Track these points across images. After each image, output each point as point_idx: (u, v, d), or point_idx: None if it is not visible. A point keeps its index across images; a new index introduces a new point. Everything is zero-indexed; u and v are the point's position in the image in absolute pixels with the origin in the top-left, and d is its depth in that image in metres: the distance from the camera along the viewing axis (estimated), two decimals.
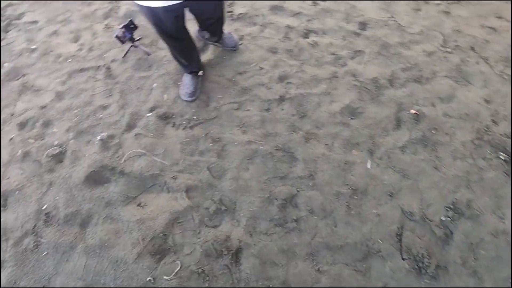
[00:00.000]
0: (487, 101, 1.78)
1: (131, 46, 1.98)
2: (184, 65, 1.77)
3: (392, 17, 2.21)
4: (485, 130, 1.67)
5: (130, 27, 1.88)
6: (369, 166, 1.56)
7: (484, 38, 2.07)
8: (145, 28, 2.14)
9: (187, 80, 1.82)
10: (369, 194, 1.48)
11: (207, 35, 1.99)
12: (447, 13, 2.23)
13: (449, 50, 2.02)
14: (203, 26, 1.86)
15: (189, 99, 1.80)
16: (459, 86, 1.85)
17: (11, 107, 1.88)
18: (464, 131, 1.67)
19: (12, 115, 1.85)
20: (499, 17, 2.20)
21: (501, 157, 1.58)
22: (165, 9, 1.30)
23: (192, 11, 1.57)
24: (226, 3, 2.30)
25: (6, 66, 2.08)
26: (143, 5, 1.30)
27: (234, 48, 2.01)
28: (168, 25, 1.41)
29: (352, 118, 1.73)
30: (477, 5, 2.29)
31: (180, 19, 1.45)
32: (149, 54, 2.03)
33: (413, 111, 1.74)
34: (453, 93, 1.81)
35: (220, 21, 1.77)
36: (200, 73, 1.87)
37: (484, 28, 2.13)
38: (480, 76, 1.89)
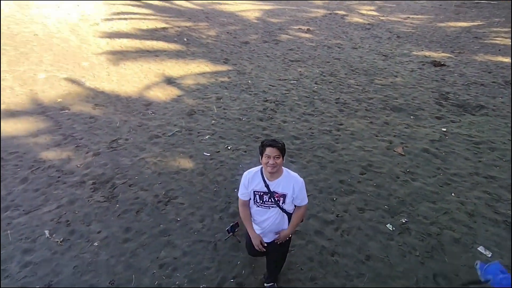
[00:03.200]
0: None
1: (231, 234, 3.58)
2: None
3: None
4: None
5: (234, 226, 3.54)
6: None
7: None
8: (241, 227, 3.79)
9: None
10: None
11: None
12: None
13: None
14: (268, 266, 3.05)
15: None
16: None
17: None
18: None
19: None
20: None
21: None
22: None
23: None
24: None
25: None
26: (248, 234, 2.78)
27: None
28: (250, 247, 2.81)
29: None
30: None
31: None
32: (240, 242, 3.57)
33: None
34: None
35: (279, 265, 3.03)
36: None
37: None
38: None
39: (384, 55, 9.67)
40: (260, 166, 2.56)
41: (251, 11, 14.62)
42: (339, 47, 10.41)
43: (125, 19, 10.56)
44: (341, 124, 5.84)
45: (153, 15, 11.93)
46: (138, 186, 4.36)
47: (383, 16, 14.83)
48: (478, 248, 3.46)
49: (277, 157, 2.36)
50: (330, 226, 3.75)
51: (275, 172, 2.44)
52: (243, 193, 2.61)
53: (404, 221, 3.80)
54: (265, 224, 2.64)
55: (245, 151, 5.09)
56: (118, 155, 4.97)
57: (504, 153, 5.04)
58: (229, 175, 4.56)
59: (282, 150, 2.40)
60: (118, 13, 10.81)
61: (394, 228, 3.70)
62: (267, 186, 2.50)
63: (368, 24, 13.43)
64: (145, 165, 4.76)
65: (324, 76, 8.07)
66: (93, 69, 7.53)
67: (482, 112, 6.33)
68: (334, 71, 8.38)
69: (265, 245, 2.66)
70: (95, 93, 6.71)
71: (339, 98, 6.84)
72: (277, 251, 2.82)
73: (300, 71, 8.34)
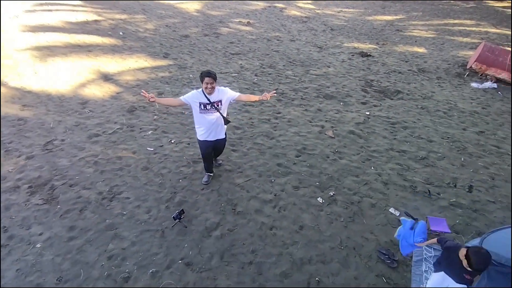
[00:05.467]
0: None
1: (178, 221, 3.87)
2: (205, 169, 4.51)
3: None
4: None
5: (180, 213, 3.83)
6: None
7: None
8: (187, 213, 4.09)
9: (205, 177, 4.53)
10: None
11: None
12: None
13: None
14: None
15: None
16: None
17: None
18: None
19: None
20: None
21: None
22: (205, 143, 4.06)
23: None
24: None
25: None
26: (200, 139, 4.03)
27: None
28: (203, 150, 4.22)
29: None
30: None
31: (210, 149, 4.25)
32: (186, 227, 3.88)
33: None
34: None
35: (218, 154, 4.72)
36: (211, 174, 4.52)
37: None
38: None
39: (319, 47, 10.52)
40: (201, 88, 3.85)
41: (191, 3, 14.60)
42: (278, 40, 11.03)
43: (50, 10, 9.90)
44: (279, 113, 6.39)
45: (83, 6, 11.34)
46: (80, 185, 4.40)
47: (319, 9, 15.89)
48: (390, 210, 4.23)
49: (211, 83, 3.72)
50: (269, 204, 4.24)
51: (212, 91, 3.79)
52: (185, 98, 3.90)
53: (332, 194, 4.44)
54: (208, 125, 3.98)
55: (189, 143, 5.36)
56: (54, 156, 4.89)
57: (414, 131, 6.04)
58: (173, 167, 4.81)
59: (215, 77, 3.75)
60: (42, 4, 10.08)
61: (323, 201, 4.32)
62: (208, 99, 3.85)
63: (305, 17, 14.32)
64: (85, 164, 4.78)
65: (264, 68, 8.58)
66: (18, 67, 7.07)
67: (398, 97, 7.38)
68: (273, 63, 8.94)
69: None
70: (22, 93, 6.36)
71: (277, 88, 7.40)
72: (219, 146, 4.46)
73: (240, 64, 8.74)
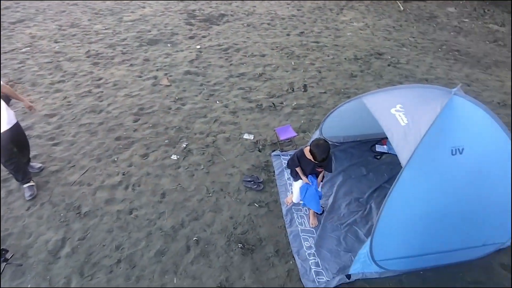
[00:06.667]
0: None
1: (5, 263, 2.93)
2: None
3: None
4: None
5: (1, 253, 2.88)
6: None
7: None
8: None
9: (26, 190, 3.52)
10: None
11: None
12: None
13: None
14: None
15: None
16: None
17: None
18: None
19: None
20: None
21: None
22: None
23: None
24: None
25: None
26: None
27: None
28: None
29: None
30: None
31: None
32: (21, 265, 2.99)
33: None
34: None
35: None
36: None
37: None
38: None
39: None
40: None
41: None
42: None
43: None
44: (99, 79, 5.33)
45: None
46: None
47: None
48: (244, 136, 4.24)
49: None
50: (119, 187, 3.64)
51: None
52: None
53: (185, 145, 4.12)
54: None
55: None
56: None
57: (246, 50, 6.05)
58: None
59: None
60: None
61: (178, 156, 3.98)
62: None
63: None
64: None
65: (64, 30, 6.88)
66: None
67: (224, 20, 7.18)
68: (75, 21, 7.25)
69: None
70: None
71: (89, 50, 6.10)
72: (19, 138, 3.47)
73: (30, 33, 6.75)
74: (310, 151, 2.69)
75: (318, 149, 2.65)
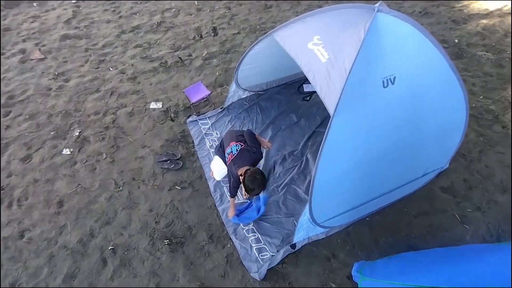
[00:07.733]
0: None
1: None
2: None
3: None
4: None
5: None
6: None
7: None
8: None
9: None
10: None
11: None
12: None
13: None
14: None
15: None
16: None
17: None
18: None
19: None
20: None
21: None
22: None
23: None
24: None
25: None
26: None
27: None
28: None
29: None
30: None
31: None
32: None
33: None
34: None
35: None
36: None
37: None
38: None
39: None
40: None
41: None
42: None
43: None
44: None
45: None
46: None
47: None
48: (150, 106, 3.52)
49: None
50: (6, 211, 2.83)
51: None
52: None
53: (78, 132, 3.31)
54: None
55: None
56: None
57: None
58: None
59: None
60: None
61: (71, 150, 3.19)
62: None
63: None
64: None
65: None
66: None
67: None
68: None
69: None
70: None
71: None
72: None
73: None
74: (244, 184, 2.20)
75: (254, 184, 2.17)
